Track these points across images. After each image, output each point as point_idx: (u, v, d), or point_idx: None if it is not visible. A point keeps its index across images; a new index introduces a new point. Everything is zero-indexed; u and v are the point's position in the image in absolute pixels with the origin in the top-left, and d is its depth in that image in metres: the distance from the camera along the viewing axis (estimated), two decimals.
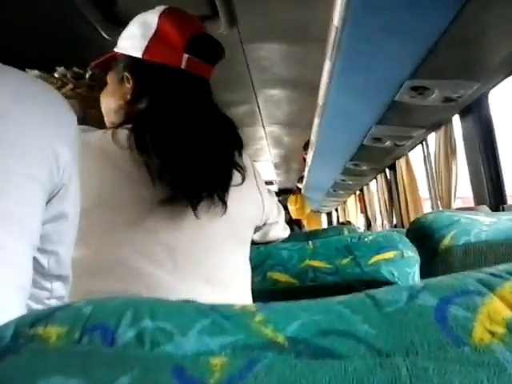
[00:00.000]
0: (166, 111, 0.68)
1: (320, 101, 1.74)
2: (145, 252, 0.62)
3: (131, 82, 0.73)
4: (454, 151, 1.84)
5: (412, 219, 2.03)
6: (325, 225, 5.99)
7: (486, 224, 0.92)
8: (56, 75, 1.13)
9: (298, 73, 2.08)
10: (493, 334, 0.20)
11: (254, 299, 0.73)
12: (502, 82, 1.46)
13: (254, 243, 0.85)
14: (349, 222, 3.95)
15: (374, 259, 0.85)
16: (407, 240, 0.89)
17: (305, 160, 3.22)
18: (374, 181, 3.33)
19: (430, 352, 0.20)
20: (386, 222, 3.16)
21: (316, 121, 2.03)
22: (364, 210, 3.95)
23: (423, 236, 0.94)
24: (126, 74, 0.74)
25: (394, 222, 2.92)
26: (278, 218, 0.94)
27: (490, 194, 1.66)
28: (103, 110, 0.79)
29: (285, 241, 1.04)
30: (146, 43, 0.71)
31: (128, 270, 0.61)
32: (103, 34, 1.52)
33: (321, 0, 1.36)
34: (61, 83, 1.12)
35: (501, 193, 1.65)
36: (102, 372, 0.18)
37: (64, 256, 0.46)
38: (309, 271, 0.87)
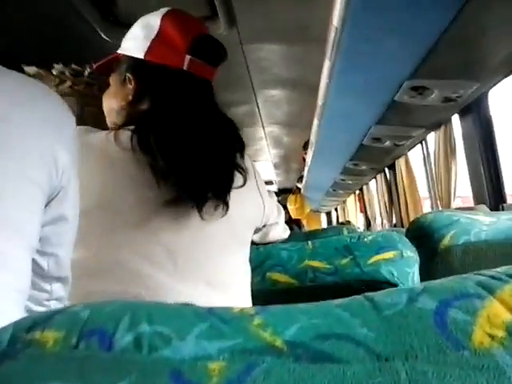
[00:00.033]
0: (167, 112, 0.68)
1: (320, 101, 1.73)
2: (145, 254, 0.62)
3: (133, 82, 0.73)
4: (453, 151, 1.84)
5: (411, 219, 2.03)
6: (324, 224, 5.99)
7: (486, 224, 0.92)
8: (54, 72, 1.11)
9: (297, 73, 2.07)
10: (492, 337, 0.20)
11: (254, 300, 0.73)
12: (501, 82, 1.46)
13: (253, 244, 0.85)
14: (348, 222, 3.95)
15: (373, 259, 0.85)
16: (407, 240, 0.89)
17: (304, 160, 3.22)
18: (374, 180, 3.33)
19: (429, 356, 0.20)
20: (385, 221, 3.16)
21: (316, 121, 2.03)
22: (363, 210, 3.95)
23: (423, 236, 0.93)
24: (128, 75, 0.74)
25: (394, 221, 2.92)
26: (278, 219, 0.94)
27: (490, 194, 1.66)
28: (105, 110, 0.79)
29: (284, 241, 1.04)
30: (148, 44, 0.71)
31: (128, 272, 0.61)
32: (102, 35, 1.52)
33: (320, 0, 1.36)
34: (59, 80, 1.11)
35: (500, 192, 1.65)
36: (99, 377, 0.18)
37: (63, 258, 0.45)
38: (308, 271, 0.87)
